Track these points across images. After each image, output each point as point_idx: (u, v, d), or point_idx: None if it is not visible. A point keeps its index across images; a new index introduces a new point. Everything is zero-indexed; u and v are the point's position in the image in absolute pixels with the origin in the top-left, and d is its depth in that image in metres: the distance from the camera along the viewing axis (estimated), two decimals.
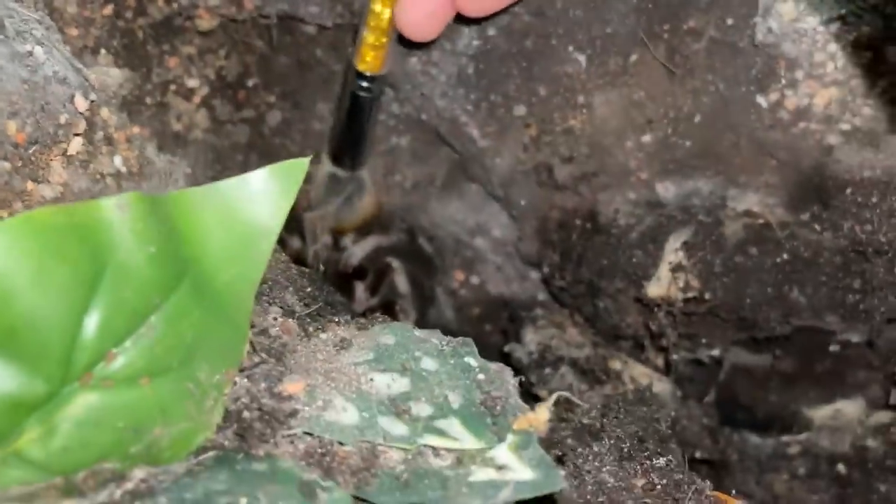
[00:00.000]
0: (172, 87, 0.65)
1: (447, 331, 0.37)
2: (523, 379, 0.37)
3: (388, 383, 0.33)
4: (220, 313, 0.32)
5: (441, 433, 0.31)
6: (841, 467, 0.65)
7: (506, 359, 0.61)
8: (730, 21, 0.52)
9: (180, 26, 0.64)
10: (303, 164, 0.33)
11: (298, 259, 0.66)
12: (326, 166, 0.66)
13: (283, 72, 0.69)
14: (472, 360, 0.35)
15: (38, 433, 0.28)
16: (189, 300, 0.31)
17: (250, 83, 0.70)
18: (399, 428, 0.31)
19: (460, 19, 0.55)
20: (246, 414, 0.31)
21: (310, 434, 0.31)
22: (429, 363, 0.34)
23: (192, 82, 0.67)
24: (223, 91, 0.69)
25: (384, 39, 0.57)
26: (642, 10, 0.54)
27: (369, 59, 0.58)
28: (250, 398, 0.32)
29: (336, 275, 0.67)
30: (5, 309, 0.26)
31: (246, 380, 0.33)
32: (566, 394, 0.34)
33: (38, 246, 0.27)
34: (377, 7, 0.56)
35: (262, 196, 0.33)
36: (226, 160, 0.72)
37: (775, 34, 0.50)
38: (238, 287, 0.32)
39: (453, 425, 0.31)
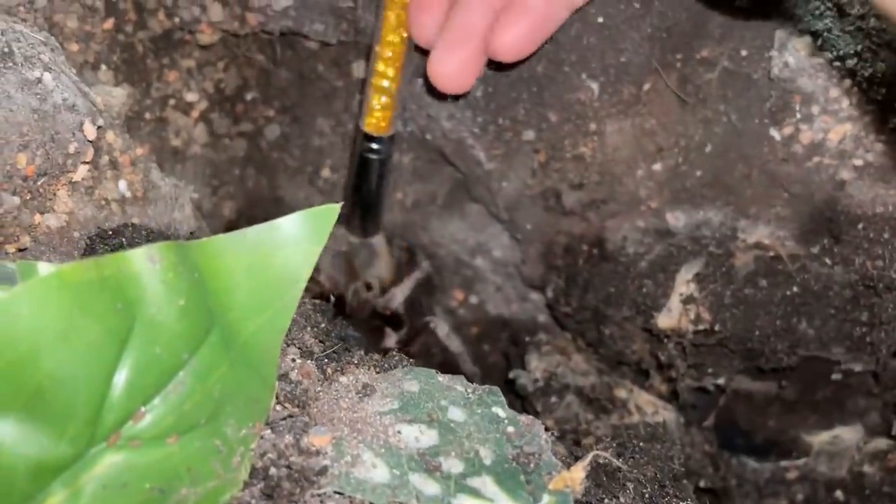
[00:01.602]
0: (171, 101, 0.64)
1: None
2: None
3: (417, 436, 0.32)
4: (247, 365, 0.31)
5: (475, 493, 0.30)
6: (839, 493, 0.65)
7: (510, 385, 0.61)
8: (744, 52, 0.52)
9: (180, 40, 0.63)
10: (334, 209, 0.32)
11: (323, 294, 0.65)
12: (338, 232, 0.65)
13: (283, 86, 0.68)
14: (500, 411, 0.34)
15: (63, 496, 0.27)
16: (217, 353, 0.30)
17: (249, 97, 0.69)
18: (431, 487, 0.30)
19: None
20: (273, 471, 0.30)
21: (340, 493, 0.30)
22: (456, 413, 0.34)
23: (190, 96, 0.65)
24: (221, 104, 0.68)
25: (390, 99, 0.57)
26: (656, 39, 0.53)
27: (376, 121, 0.58)
28: (277, 454, 0.31)
29: (372, 314, 0.65)
30: (33, 369, 0.25)
31: (271, 432, 0.32)
32: (604, 453, 0.33)
33: (68, 303, 0.26)
34: (381, 67, 0.56)
35: (292, 242, 0.32)
36: (223, 174, 0.70)
37: (791, 68, 0.50)
38: (265, 336, 0.32)
39: (487, 484, 0.30)
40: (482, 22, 0.50)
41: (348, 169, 0.64)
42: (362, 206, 0.62)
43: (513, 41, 0.50)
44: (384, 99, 0.57)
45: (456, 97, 0.58)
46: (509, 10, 0.50)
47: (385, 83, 0.56)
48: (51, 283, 0.25)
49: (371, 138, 0.58)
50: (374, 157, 0.59)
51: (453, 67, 0.51)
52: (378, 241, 0.66)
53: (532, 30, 0.50)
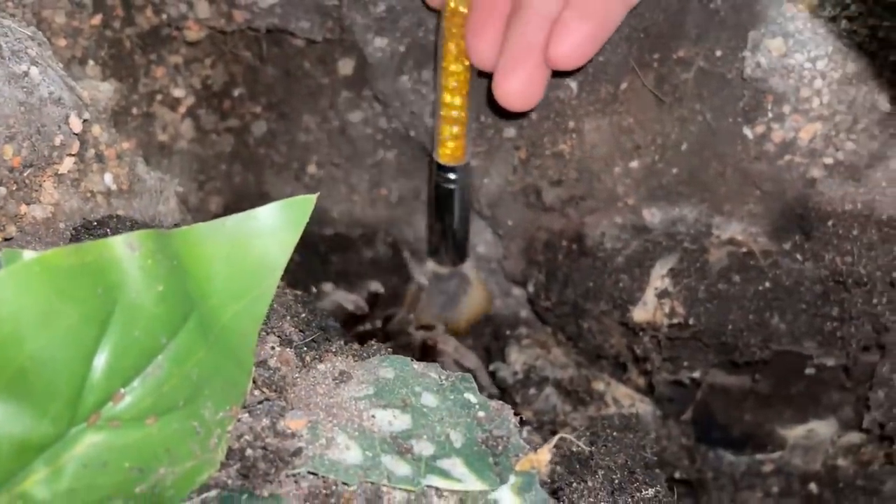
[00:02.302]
0: (158, 97, 0.65)
1: (460, 366, 0.37)
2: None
3: (390, 420, 0.33)
4: (224, 350, 0.32)
5: (444, 474, 0.31)
6: (813, 486, 0.66)
7: (490, 377, 0.62)
8: (718, 53, 0.53)
9: (168, 36, 0.64)
10: (310, 199, 0.33)
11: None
12: (428, 265, 0.66)
13: (270, 82, 0.69)
14: (472, 397, 0.35)
15: (44, 474, 0.28)
16: (195, 338, 0.31)
17: (236, 93, 0.70)
18: (402, 468, 0.31)
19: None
20: (249, 452, 0.31)
21: (314, 473, 0.31)
22: (429, 399, 0.35)
23: (177, 92, 0.66)
24: (208, 100, 0.69)
25: (461, 128, 0.57)
26: (633, 39, 0.54)
27: (450, 151, 0.58)
28: (253, 436, 0.32)
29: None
30: (16, 351, 0.26)
31: (248, 415, 0.33)
32: (569, 436, 0.34)
33: (50, 287, 0.27)
34: (448, 98, 0.56)
35: (270, 231, 0.33)
36: (209, 169, 0.71)
37: (763, 69, 0.51)
38: (243, 323, 0.32)
39: (456, 465, 0.32)
40: (540, 35, 0.50)
41: (427, 200, 0.65)
42: (446, 235, 0.63)
43: (571, 50, 0.49)
44: (455, 128, 0.57)
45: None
46: (565, 17, 0.49)
47: (454, 113, 0.57)
48: (33, 268, 0.26)
49: (447, 169, 0.59)
50: (451, 186, 0.60)
51: (518, 86, 0.51)
52: (468, 268, 0.67)
53: (590, 35, 0.49)
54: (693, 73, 0.54)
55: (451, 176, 0.59)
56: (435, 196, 0.61)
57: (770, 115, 0.52)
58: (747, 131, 0.53)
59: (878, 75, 0.50)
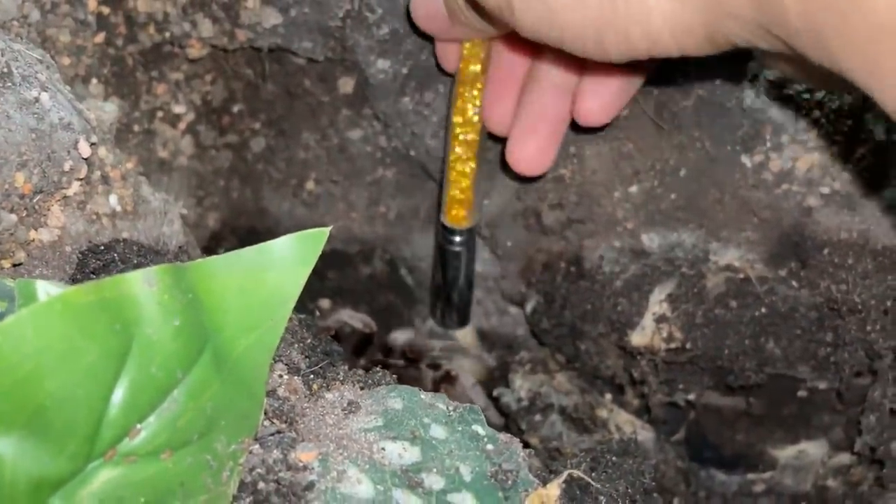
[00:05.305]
0: (159, 113, 0.65)
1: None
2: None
3: (400, 453, 0.34)
4: (237, 382, 0.32)
5: None
6: None
7: (494, 403, 0.62)
8: (718, 82, 0.54)
9: (170, 53, 0.64)
10: (323, 233, 0.33)
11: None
12: (429, 324, 0.66)
13: (269, 99, 0.69)
14: (480, 429, 0.35)
15: None
16: (209, 371, 0.31)
17: (235, 109, 0.70)
18: (414, 503, 0.31)
19: None
20: (262, 485, 0.31)
21: None
22: (438, 431, 0.35)
23: (178, 108, 0.66)
24: (208, 116, 0.69)
25: (468, 192, 0.57)
26: None
27: (455, 213, 0.58)
28: (265, 469, 0.32)
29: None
30: (36, 389, 0.26)
31: (259, 446, 0.33)
32: (578, 472, 0.35)
33: (69, 325, 0.27)
34: (456, 159, 0.56)
35: (283, 264, 0.33)
36: (208, 185, 0.71)
37: (763, 99, 0.52)
38: (255, 354, 0.33)
39: (466, 500, 0.32)
40: (555, 104, 0.52)
41: (433, 259, 0.65)
42: (448, 297, 0.63)
43: (600, 109, 0.51)
44: (462, 192, 0.57)
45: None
46: (587, 84, 0.51)
47: (464, 171, 0.56)
48: (54, 307, 0.27)
49: (452, 231, 0.59)
50: (456, 249, 0.59)
51: (530, 153, 0.53)
52: (464, 334, 0.66)
53: (616, 93, 0.51)
54: (692, 101, 0.55)
55: (456, 238, 0.59)
56: (439, 256, 0.61)
57: (768, 144, 0.53)
58: (746, 160, 0.54)
59: (875, 106, 0.51)
